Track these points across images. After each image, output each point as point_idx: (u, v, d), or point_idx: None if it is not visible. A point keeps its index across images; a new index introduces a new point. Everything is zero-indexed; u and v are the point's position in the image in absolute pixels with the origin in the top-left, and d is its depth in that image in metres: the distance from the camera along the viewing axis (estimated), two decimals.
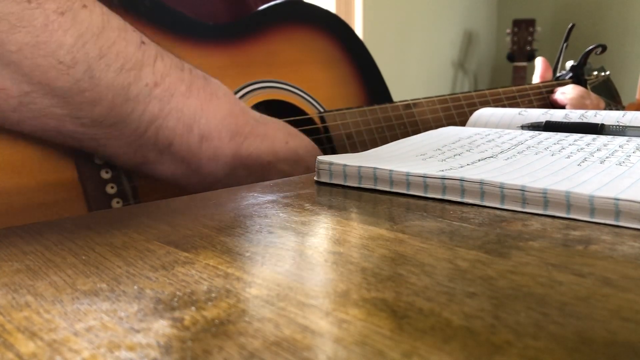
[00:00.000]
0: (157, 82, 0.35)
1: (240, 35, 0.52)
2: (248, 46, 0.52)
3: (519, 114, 0.49)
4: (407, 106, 0.60)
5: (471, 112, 0.53)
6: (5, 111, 0.32)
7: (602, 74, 0.89)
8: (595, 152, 0.33)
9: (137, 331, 0.15)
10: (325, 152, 0.52)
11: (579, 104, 0.76)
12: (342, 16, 0.64)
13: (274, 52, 0.54)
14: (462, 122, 0.63)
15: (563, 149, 0.34)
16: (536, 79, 0.86)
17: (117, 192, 0.39)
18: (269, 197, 0.30)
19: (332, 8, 2.09)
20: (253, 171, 0.42)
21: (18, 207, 0.35)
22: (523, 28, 2.50)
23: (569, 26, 0.89)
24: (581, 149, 0.34)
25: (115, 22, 0.34)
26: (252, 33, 0.53)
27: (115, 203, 0.39)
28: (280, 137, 0.44)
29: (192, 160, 0.38)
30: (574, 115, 0.48)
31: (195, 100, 0.37)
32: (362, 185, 0.31)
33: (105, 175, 0.39)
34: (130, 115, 0.34)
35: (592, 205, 0.24)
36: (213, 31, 0.50)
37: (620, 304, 0.15)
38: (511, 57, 2.50)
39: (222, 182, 0.40)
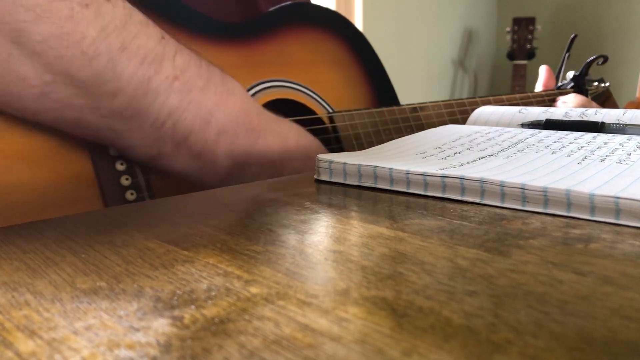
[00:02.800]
0: (176, 75, 0.36)
1: (253, 35, 0.53)
2: (261, 46, 0.53)
3: (519, 112, 0.49)
4: (414, 109, 0.61)
5: None
6: (25, 101, 0.33)
7: (602, 85, 0.89)
8: (595, 150, 0.33)
9: (137, 330, 0.14)
10: (333, 152, 0.53)
11: None
12: (342, 14, 0.64)
13: (285, 52, 0.55)
14: None
15: (563, 147, 0.34)
16: (539, 87, 0.86)
17: (131, 184, 0.40)
18: (269, 196, 0.29)
19: (332, 6, 2.08)
20: (265, 167, 0.42)
21: (32, 199, 0.36)
22: (523, 26, 2.50)
23: (572, 37, 0.89)
24: (581, 147, 0.34)
25: (137, 17, 0.35)
26: (264, 33, 0.54)
27: (130, 195, 0.40)
28: (292, 135, 0.45)
29: (208, 154, 0.39)
30: (574, 114, 0.48)
31: (212, 95, 0.38)
32: (362, 184, 0.31)
33: (120, 167, 0.39)
34: (149, 107, 0.35)
35: (592, 203, 0.24)
36: (228, 30, 0.51)
37: (620, 302, 0.15)
38: (511, 56, 2.50)
39: (235, 179, 0.41)
